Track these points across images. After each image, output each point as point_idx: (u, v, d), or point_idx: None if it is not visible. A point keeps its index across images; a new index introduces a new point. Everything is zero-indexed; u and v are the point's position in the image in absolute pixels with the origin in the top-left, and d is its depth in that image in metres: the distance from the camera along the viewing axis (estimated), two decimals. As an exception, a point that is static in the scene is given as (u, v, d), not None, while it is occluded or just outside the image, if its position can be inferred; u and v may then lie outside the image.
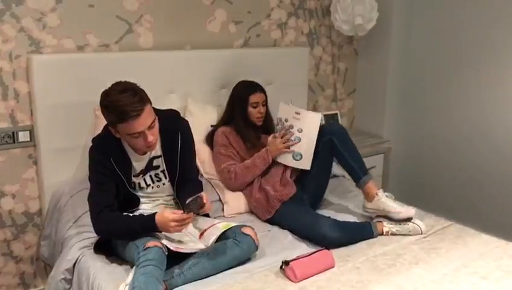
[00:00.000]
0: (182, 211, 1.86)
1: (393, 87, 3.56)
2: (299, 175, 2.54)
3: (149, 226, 1.88)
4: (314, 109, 3.54)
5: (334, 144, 2.44)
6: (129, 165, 2.04)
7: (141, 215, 1.99)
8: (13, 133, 2.43)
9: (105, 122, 2.38)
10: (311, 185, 2.51)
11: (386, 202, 2.35)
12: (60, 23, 2.45)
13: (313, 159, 2.45)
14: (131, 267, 1.86)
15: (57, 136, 2.44)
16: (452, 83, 3.31)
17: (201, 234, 2.00)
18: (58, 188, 2.46)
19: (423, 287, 1.84)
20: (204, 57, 2.84)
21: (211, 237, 1.93)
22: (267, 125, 2.68)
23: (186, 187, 2.12)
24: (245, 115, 2.58)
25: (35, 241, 2.59)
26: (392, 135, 3.61)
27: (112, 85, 1.92)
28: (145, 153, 2.07)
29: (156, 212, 1.89)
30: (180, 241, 1.94)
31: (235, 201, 2.50)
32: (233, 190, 2.52)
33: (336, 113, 3.54)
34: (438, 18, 3.33)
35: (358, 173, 2.42)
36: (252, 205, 2.48)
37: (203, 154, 2.63)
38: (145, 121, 1.87)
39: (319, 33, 3.45)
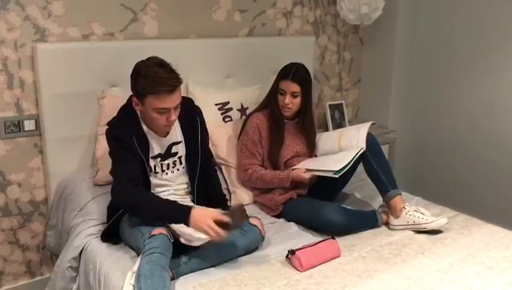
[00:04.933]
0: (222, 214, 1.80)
1: (399, 77, 3.54)
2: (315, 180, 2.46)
3: (180, 217, 1.79)
4: (320, 99, 3.52)
5: (364, 154, 2.34)
6: (148, 146, 1.99)
7: (175, 202, 1.88)
8: (19, 122, 2.42)
9: (110, 110, 2.36)
10: (325, 189, 2.45)
11: (415, 214, 2.22)
12: (65, 12, 2.44)
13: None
14: (138, 255, 1.87)
15: (62, 125, 2.43)
16: (458, 73, 3.28)
17: None
18: (63, 178, 2.46)
19: (429, 277, 1.84)
20: (209, 46, 2.82)
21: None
22: (307, 123, 2.49)
23: (207, 179, 2.15)
24: (275, 101, 2.43)
25: (41, 230, 2.60)
26: (397, 125, 3.60)
27: (149, 57, 1.90)
28: (163, 136, 2.04)
29: (192, 206, 1.81)
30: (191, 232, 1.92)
31: (243, 191, 2.50)
32: (242, 185, 2.51)
33: (341, 103, 3.52)
34: (444, 7, 3.30)
35: (387, 186, 2.30)
36: (258, 201, 2.48)
37: (215, 138, 2.60)
38: (176, 98, 1.87)
39: (325, 22, 3.42)
